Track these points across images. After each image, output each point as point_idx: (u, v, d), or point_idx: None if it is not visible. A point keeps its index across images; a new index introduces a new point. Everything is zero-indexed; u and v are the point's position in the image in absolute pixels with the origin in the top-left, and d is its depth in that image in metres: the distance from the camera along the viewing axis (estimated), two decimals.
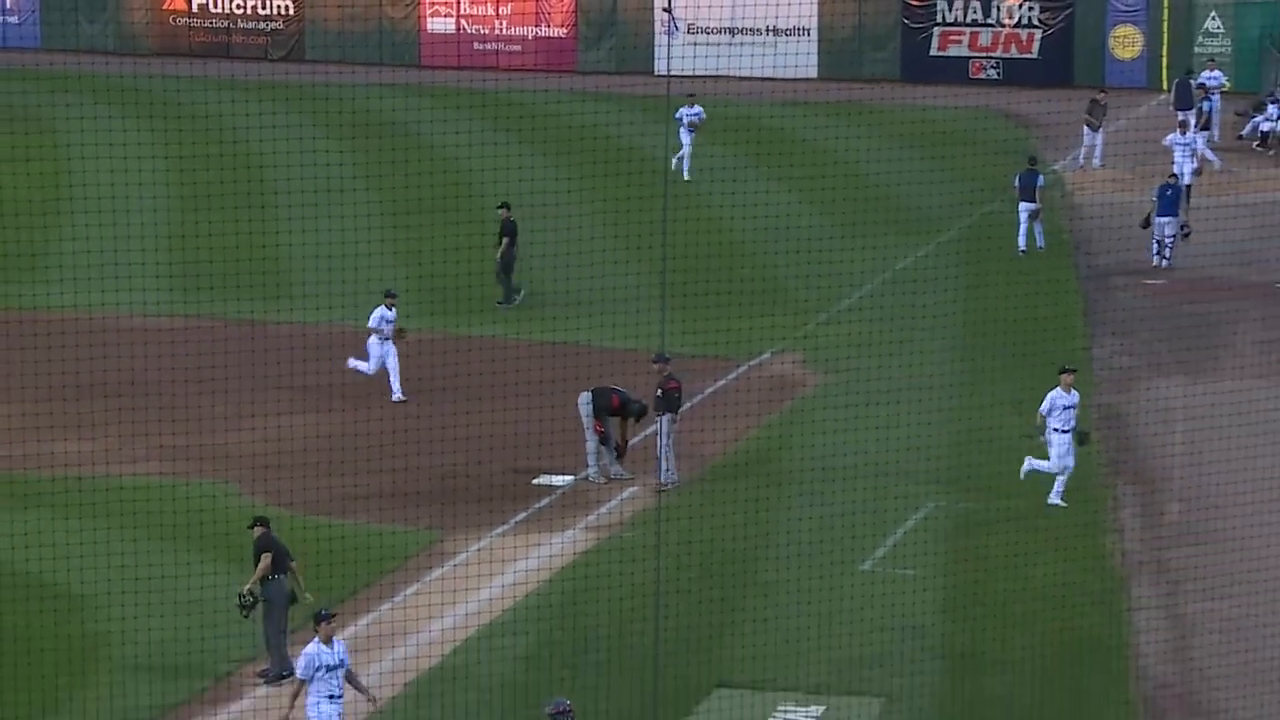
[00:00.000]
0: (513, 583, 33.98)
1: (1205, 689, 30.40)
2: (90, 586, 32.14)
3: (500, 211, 51.05)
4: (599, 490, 38.18)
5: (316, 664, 26.23)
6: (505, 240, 50.82)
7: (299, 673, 26.41)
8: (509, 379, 40.26)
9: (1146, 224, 55.52)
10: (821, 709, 29.40)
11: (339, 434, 39.88)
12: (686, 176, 63.04)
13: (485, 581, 33.75)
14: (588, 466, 38.56)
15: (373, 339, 42.97)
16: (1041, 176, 58.44)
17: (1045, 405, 37.40)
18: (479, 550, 35.27)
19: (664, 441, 37.85)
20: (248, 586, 29.62)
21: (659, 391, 37.90)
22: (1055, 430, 37.16)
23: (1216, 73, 72.11)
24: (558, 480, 38.53)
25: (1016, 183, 57.28)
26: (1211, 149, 65.77)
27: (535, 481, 38.47)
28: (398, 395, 42.44)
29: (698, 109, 64.06)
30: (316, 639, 26.48)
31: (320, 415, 40.80)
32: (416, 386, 42.37)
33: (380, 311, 43.00)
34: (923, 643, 31.41)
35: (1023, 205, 56.91)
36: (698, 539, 34.86)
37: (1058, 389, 37.53)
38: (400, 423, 39.17)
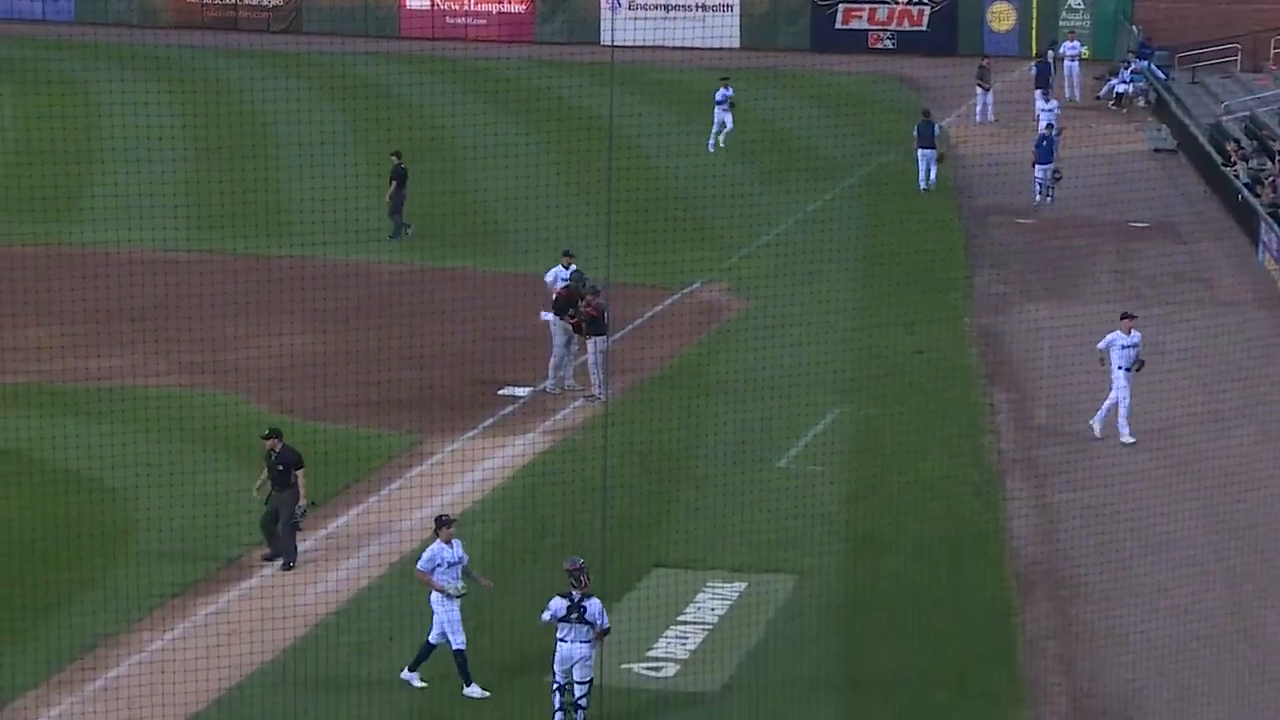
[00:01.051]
0: (481, 479, 33.94)
1: (1068, 566, 30.55)
2: (120, 481, 32.12)
3: (393, 158, 50.66)
4: (554, 400, 38.11)
5: (438, 560, 25.87)
6: (394, 183, 50.45)
7: (420, 564, 25.99)
8: (478, 304, 40.17)
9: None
10: (744, 584, 29.43)
11: (333, 352, 39.74)
12: (723, 144, 61.77)
13: (458, 478, 33.71)
14: (547, 379, 38.48)
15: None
16: (937, 126, 58.61)
17: (1104, 343, 35.81)
18: (452, 451, 35.22)
19: (594, 359, 37.79)
20: (303, 502, 29.48)
21: (588, 317, 37.74)
22: (1118, 368, 35.51)
23: (1075, 43, 72.24)
24: (519, 391, 38.46)
25: (915, 132, 57.56)
26: (1071, 108, 65.95)
27: (500, 392, 38.40)
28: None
29: (729, 90, 62.19)
30: (438, 540, 26.03)
31: (317, 336, 40.64)
32: (398, 311, 42.16)
33: (556, 270, 40.15)
34: (829, 528, 31.47)
35: (921, 152, 57.27)
36: (638, 441, 34.85)
37: (1118, 331, 35.84)
38: (381, 341, 39.04)
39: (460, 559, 26.02)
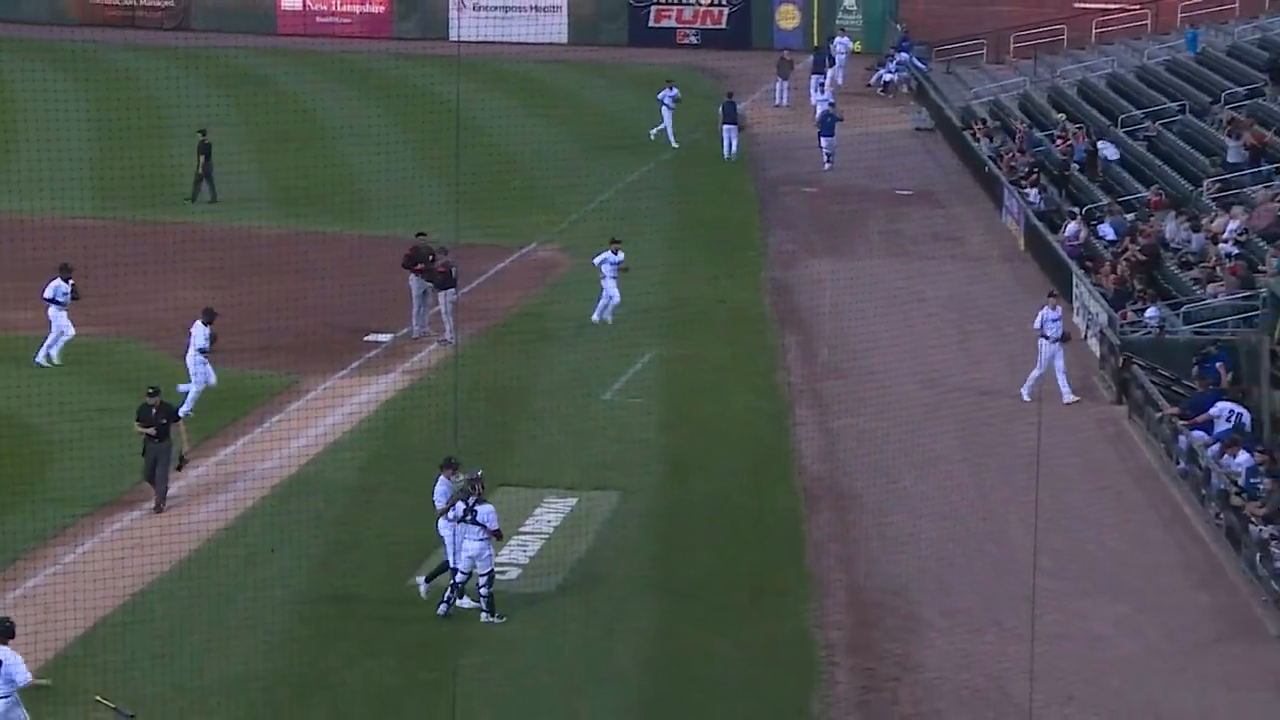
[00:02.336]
0: (350, 413, 33.59)
1: (847, 481, 30.74)
2: (39, 418, 31.39)
3: (199, 135, 49.73)
4: (413, 344, 37.75)
5: (448, 493, 25.39)
6: (202, 157, 49.70)
7: (436, 498, 25.55)
8: (347, 262, 39.73)
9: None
10: (575, 500, 29.38)
11: (222, 304, 38.79)
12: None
13: (330, 412, 33.37)
14: (411, 325, 38.07)
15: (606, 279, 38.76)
16: (740, 105, 58.74)
17: (1038, 321, 34.57)
18: (325, 389, 34.81)
19: (445, 309, 37.49)
20: (185, 450, 29.05)
21: (439, 274, 37.44)
22: (1049, 339, 34.32)
23: (845, 38, 72.79)
24: (383, 337, 38.04)
25: (720, 111, 57.76)
26: (839, 95, 66.21)
27: (366, 338, 37.96)
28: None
29: (674, 90, 59.00)
30: (443, 477, 25.55)
31: (208, 291, 39.75)
32: (278, 269, 41.46)
33: (606, 254, 38.77)
34: (647, 452, 31.49)
35: (725, 127, 57.44)
36: (484, 379, 34.64)
37: (1046, 307, 34.68)
38: (265, 296, 38.40)
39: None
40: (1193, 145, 48.78)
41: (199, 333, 33.00)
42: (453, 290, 37.56)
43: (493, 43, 71.95)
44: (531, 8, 78.55)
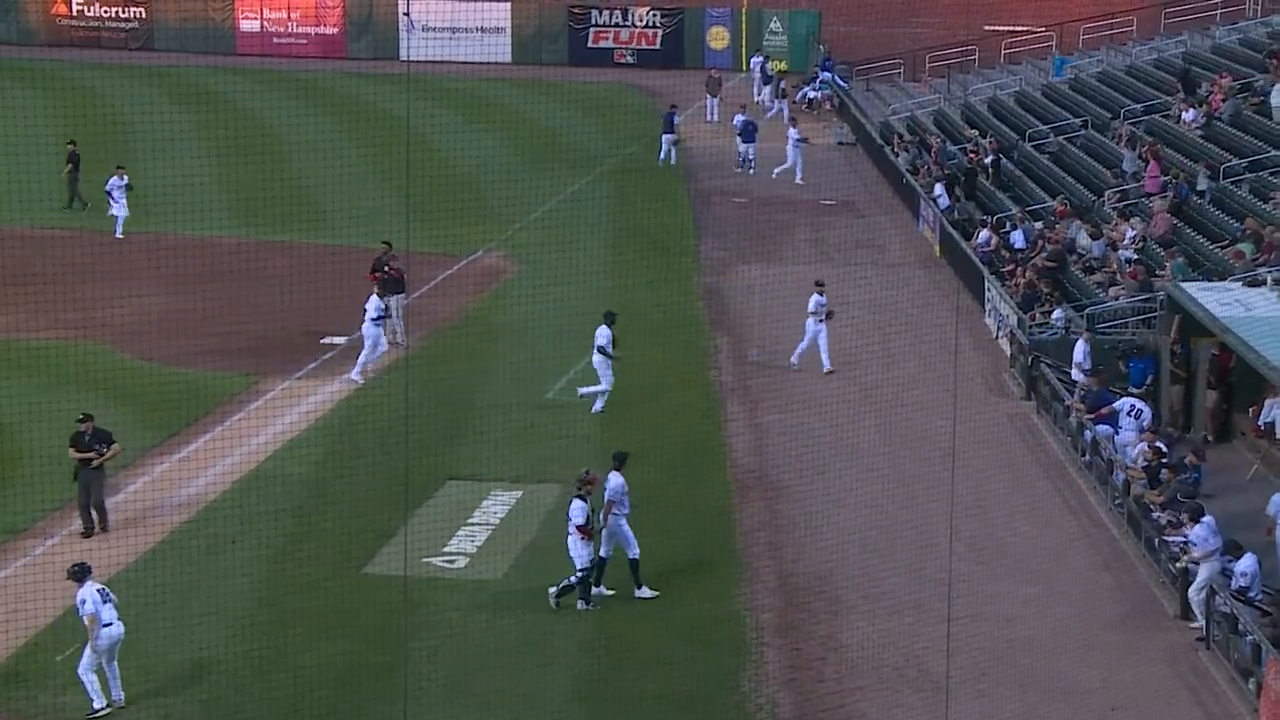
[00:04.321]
0: (307, 411, 33.43)
1: (775, 472, 30.81)
2: (10, 418, 31.08)
3: (69, 146, 49.62)
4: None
5: (625, 490, 25.42)
6: (70, 166, 49.56)
7: (609, 495, 25.07)
8: (304, 270, 39.47)
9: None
10: (520, 492, 29.34)
11: (184, 309, 38.85)
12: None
13: (288, 411, 33.20)
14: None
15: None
16: (678, 116, 58.90)
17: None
18: (284, 389, 34.64)
19: (395, 313, 37.34)
20: (102, 461, 27.11)
21: (392, 279, 37.26)
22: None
23: (761, 58, 73.19)
24: (339, 339, 37.86)
25: (662, 120, 58.26)
26: (759, 111, 66.57)
27: (323, 341, 37.78)
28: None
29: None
30: (618, 474, 25.34)
31: (170, 297, 39.68)
32: (237, 276, 41.19)
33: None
34: (589, 446, 31.40)
35: (665, 136, 57.96)
36: (434, 378, 34.55)
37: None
38: (224, 301, 38.21)
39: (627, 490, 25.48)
40: (1094, 158, 49.17)
41: (601, 334, 32.72)
42: (403, 295, 37.44)
43: (440, 62, 71.79)
44: (477, 29, 78.36)
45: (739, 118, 59.26)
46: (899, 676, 23.08)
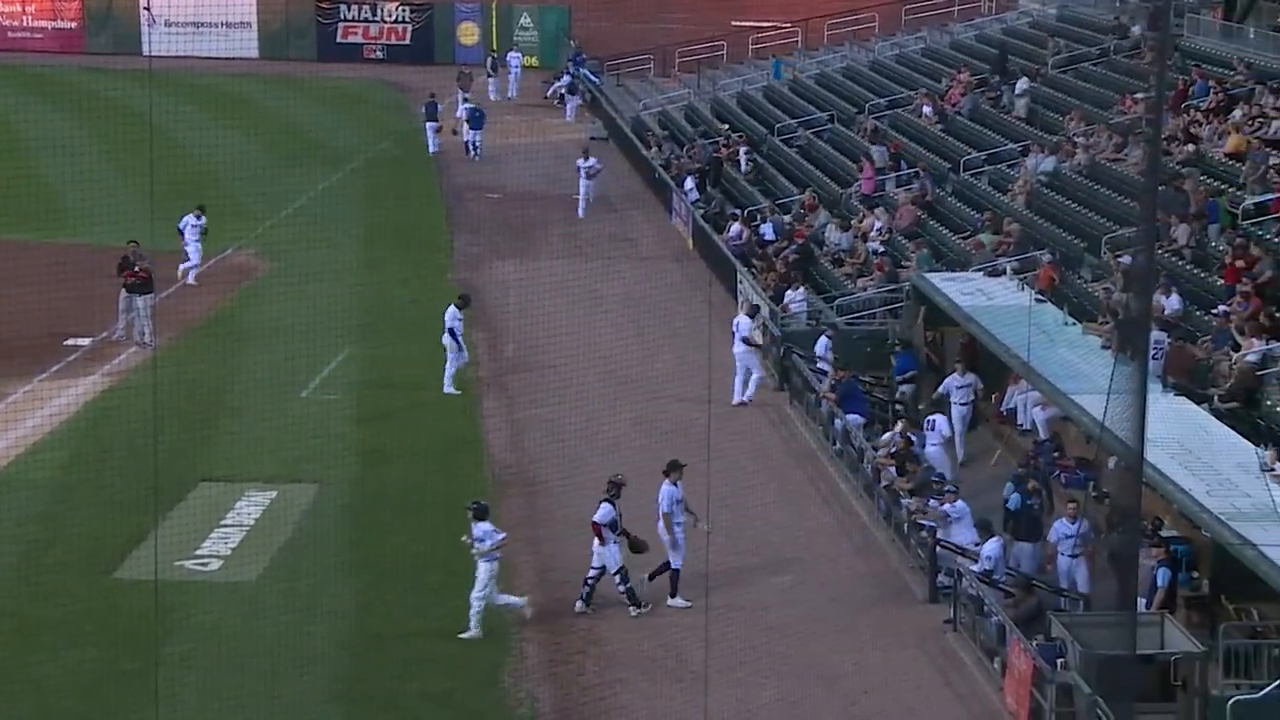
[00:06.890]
0: (52, 414, 32.45)
1: (534, 468, 30.76)
2: None
3: None
4: (112, 347, 36.63)
5: (676, 498, 25.10)
6: None
7: (663, 506, 24.98)
8: (46, 269, 38.31)
9: (455, 133, 59.07)
10: (275, 493, 28.87)
11: None
12: (581, 215, 50.99)
13: (32, 414, 32.19)
14: (116, 327, 36.93)
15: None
16: (440, 106, 58.94)
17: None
18: (26, 392, 33.58)
19: (143, 312, 36.52)
20: None
21: (141, 279, 36.48)
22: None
23: (517, 53, 73.29)
24: (83, 341, 36.83)
25: (423, 110, 58.88)
26: (521, 104, 66.85)
27: (67, 342, 36.71)
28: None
29: (593, 160, 51.78)
30: (668, 481, 25.14)
31: None
32: None
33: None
34: (344, 445, 31.08)
35: (429, 124, 58.77)
36: (185, 379, 33.76)
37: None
38: None
39: (681, 499, 25.17)
40: (841, 151, 50.12)
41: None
42: (151, 294, 36.61)
43: (185, 57, 70.36)
44: (222, 24, 77.02)
45: (464, 106, 59.42)
46: (658, 667, 23.21)
